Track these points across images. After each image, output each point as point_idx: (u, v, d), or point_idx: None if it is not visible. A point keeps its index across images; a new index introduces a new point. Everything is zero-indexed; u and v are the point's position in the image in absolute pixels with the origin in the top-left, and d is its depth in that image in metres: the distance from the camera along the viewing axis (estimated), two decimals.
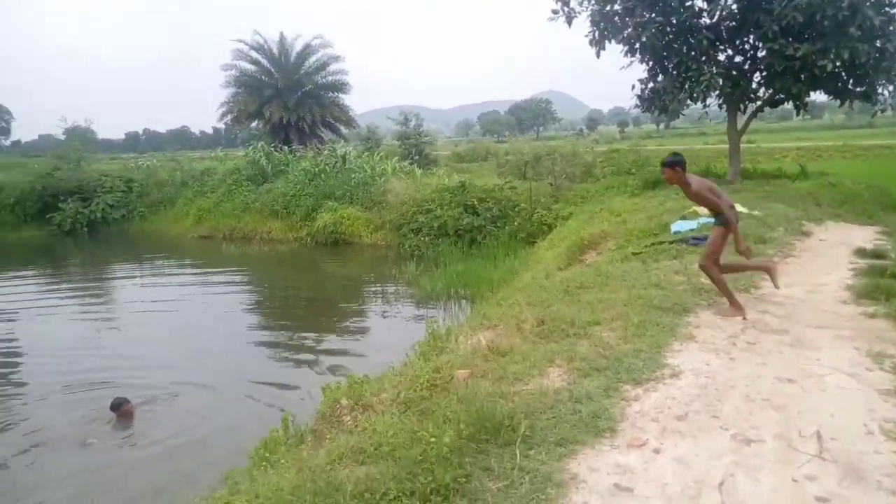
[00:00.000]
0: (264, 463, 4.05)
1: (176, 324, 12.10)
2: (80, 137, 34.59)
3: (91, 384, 8.46)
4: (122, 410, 7.08)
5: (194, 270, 18.42)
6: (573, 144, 26.38)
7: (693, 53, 13.94)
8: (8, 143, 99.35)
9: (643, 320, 4.82)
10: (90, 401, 7.74)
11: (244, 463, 4.76)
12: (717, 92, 14.14)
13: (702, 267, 5.40)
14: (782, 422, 3.38)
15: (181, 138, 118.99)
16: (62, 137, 32.23)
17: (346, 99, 34.00)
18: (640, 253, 7.70)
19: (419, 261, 14.82)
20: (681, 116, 17.03)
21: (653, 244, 8.09)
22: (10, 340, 11.53)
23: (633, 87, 15.46)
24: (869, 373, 4.02)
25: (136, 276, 18.02)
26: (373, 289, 14.72)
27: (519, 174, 20.91)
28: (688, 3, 13.95)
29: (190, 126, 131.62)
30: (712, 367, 4.05)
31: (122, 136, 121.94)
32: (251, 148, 26.59)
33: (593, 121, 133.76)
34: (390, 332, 10.24)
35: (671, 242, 7.87)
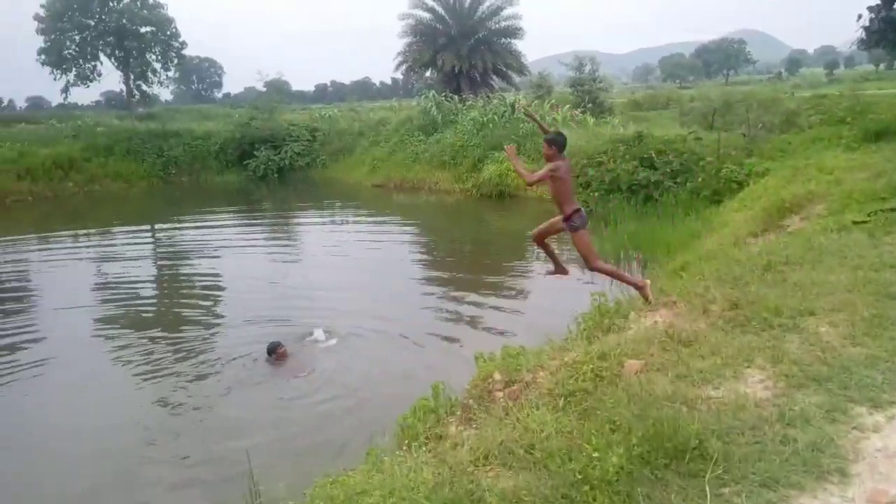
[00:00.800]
0: (407, 443, 3.79)
1: (348, 267, 12.73)
2: (278, 89, 37.49)
3: (270, 321, 8.99)
4: (278, 353, 7.44)
5: (368, 217, 19.23)
6: (772, 89, 23.18)
7: None
8: (220, 95, 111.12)
9: (877, 314, 3.77)
10: (264, 337, 8.14)
11: (395, 422, 4.62)
12: None
13: (592, 269, 5.55)
14: None
15: (363, 89, 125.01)
16: (263, 89, 34.87)
17: (519, 45, 33.03)
18: (866, 222, 6.28)
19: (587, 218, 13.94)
20: None
21: (882, 211, 6.57)
22: (213, 273, 12.94)
23: (860, 17, 12.88)
24: None
25: (317, 220, 19.26)
26: (536, 246, 14.17)
27: (705, 124, 18.77)
28: None
29: (371, 77, 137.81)
30: None
31: (313, 88, 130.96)
32: (423, 97, 26.88)
33: (795, 62, 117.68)
34: (551, 294, 9.64)
35: None
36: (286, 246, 15.81)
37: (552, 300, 9.21)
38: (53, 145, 27.05)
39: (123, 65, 30.21)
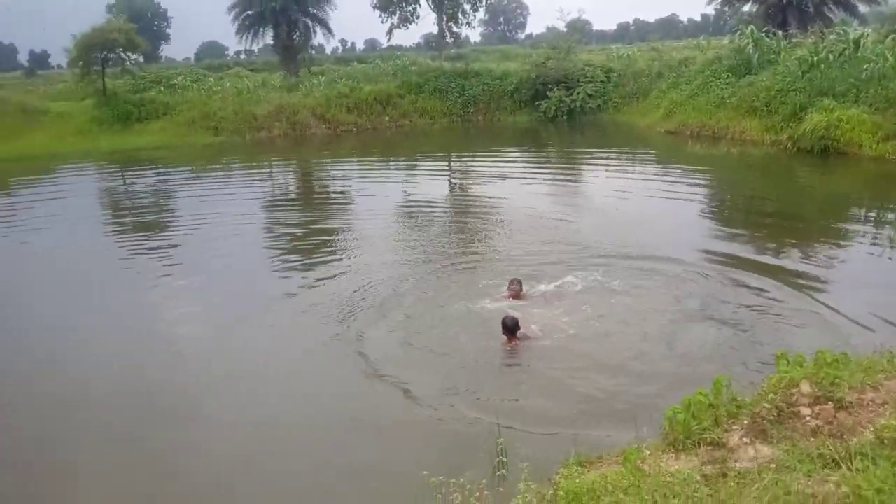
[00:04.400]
0: (674, 443, 3.26)
1: (624, 220, 11.55)
2: (579, 30, 36.57)
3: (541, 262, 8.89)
4: (515, 335, 6.28)
5: (656, 168, 17.88)
6: None
7: None
8: (522, 36, 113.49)
9: None
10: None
11: (662, 413, 4.06)
12: None
13: None
14: None
15: (668, 27, 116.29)
16: (564, 30, 34.45)
17: None
18: None
19: None
20: None
21: None
22: (495, 198, 13.99)
23: None
24: None
25: (600, 165, 18.61)
26: (868, 216, 11.55)
27: None
28: None
29: (678, 13, 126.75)
30: None
31: (614, 27, 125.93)
32: (738, 33, 23.59)
33: None
34: (883, 286, 7.70)
35: None
36: (567, 187, 15.68)
37: (882, 293, 7.35)
38: (376, 82, 30.57)
39: (438, 7, 32.37)
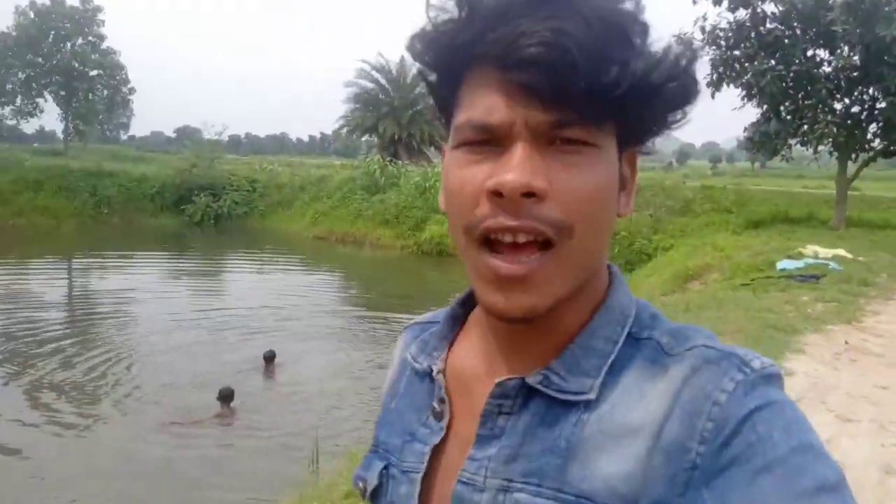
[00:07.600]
0: None
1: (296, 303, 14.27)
2: (190, 137, 37.95)
3: None
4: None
5: (300, 266, 20.63)
6: (673, 178, 26.96)
7: (810, 101, 14.36)
8: (125, 137, 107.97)
9: (759, 335, 5.88)
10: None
11: None
12: (831, 140, 14.56)
13: None
14: (876, 413, 4.42)
15: (280, 143, 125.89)
16: (173, 135, 35.38)
17: None
18: (749, 284, 8.64)
19: None
20: (788, 161, 17.24)
21: (760, 277, 9.00)
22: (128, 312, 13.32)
23: (745, 129, 16.09)
24: None
25: (248, 267, 20.17)
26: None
27: None
28: (809, 53, 14.41)
29: (288, 132, 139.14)
30: (820, 372, 5.10)
31: (226, 139, 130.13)
32: (367, 160, 28.79)
33: (684, 154, 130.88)
34: None
35: (779, 278, 8.75)
36: (208, 293, 16.07)
37: None
38: None
39: (65, 104, 30.21)
